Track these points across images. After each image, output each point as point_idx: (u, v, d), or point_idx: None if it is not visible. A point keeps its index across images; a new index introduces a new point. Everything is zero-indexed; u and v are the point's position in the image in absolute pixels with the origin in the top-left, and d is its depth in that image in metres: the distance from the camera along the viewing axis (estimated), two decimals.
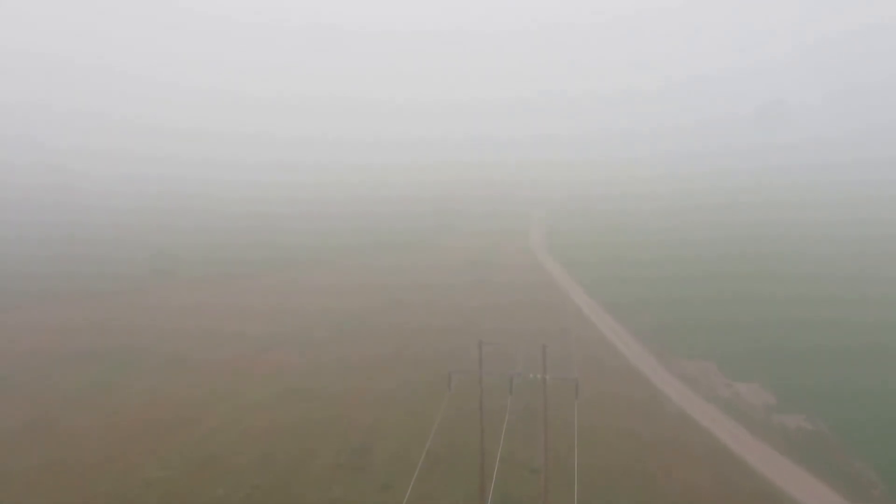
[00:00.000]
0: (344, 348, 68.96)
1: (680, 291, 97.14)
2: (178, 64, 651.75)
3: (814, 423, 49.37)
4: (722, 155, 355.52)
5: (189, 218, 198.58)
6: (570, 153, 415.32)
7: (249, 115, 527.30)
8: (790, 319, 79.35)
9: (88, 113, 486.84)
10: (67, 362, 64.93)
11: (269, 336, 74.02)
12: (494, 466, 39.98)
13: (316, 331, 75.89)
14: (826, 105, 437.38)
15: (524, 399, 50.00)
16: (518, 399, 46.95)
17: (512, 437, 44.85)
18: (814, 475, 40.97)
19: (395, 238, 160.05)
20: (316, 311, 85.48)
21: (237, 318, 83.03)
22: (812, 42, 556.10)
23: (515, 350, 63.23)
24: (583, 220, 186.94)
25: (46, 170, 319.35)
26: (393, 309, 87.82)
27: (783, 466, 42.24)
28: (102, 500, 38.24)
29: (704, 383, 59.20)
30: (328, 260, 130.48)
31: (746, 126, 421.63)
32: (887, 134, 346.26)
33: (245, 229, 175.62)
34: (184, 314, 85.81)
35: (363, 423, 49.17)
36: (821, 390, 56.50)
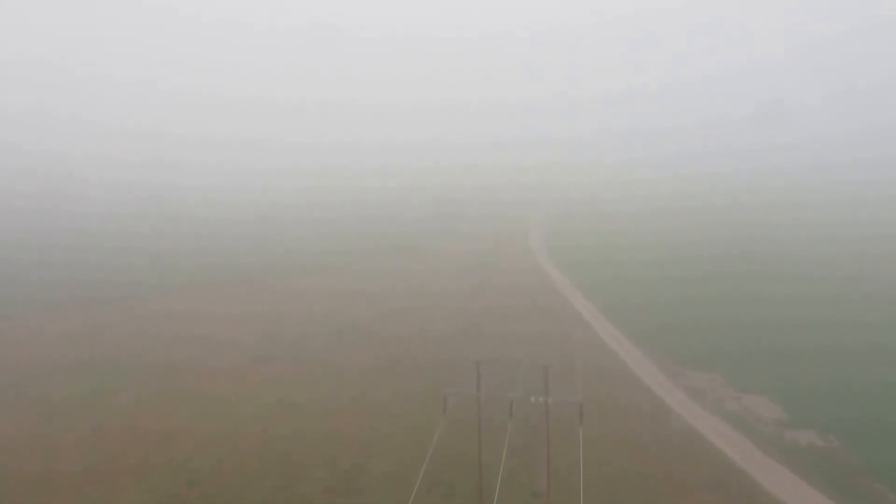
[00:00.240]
0: (340, 357, 66.99)
1: (682, 295, 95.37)
2: (177, 70, 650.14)
3: (826, 440, 47.39)
4: (722, 155, 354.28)
5: (185, 223, 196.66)
6: (569, 154, 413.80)
7: (247, 120, 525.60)
8: (794, 326, 77.58)
9: (87, 119, 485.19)
10: (55, 374, 62.88)
11: (263, 345, 72.07)
12: (496, 489, 38.07)
13: (312, 339, 73.93)
14: (826, 105, 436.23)
15: (525, 415, 47.97)
16: (520, 417, 44.97)
17: (513, 457, 42.87)
18: (831, 498, 38.97)
19: (394, 242, 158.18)
20: (312, 318, 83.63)
21: (232, 325, 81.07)
22: (811, 42, 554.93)
23: (516, 364, 61.40)
24: (583, 222, 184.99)
25: (45, 176, 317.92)
26: (391, 315, 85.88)
27: (799, 489, 40.24)
28: None
29: (711, 396, 57.21)
30: (326, 265, 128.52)
31: (746, 126, 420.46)
32: (886, 134, 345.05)
33: (242, 235, 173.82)
34: (177, 322, 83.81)
35: (357, 438, 47.15)
36: (831, 403, 54.57)
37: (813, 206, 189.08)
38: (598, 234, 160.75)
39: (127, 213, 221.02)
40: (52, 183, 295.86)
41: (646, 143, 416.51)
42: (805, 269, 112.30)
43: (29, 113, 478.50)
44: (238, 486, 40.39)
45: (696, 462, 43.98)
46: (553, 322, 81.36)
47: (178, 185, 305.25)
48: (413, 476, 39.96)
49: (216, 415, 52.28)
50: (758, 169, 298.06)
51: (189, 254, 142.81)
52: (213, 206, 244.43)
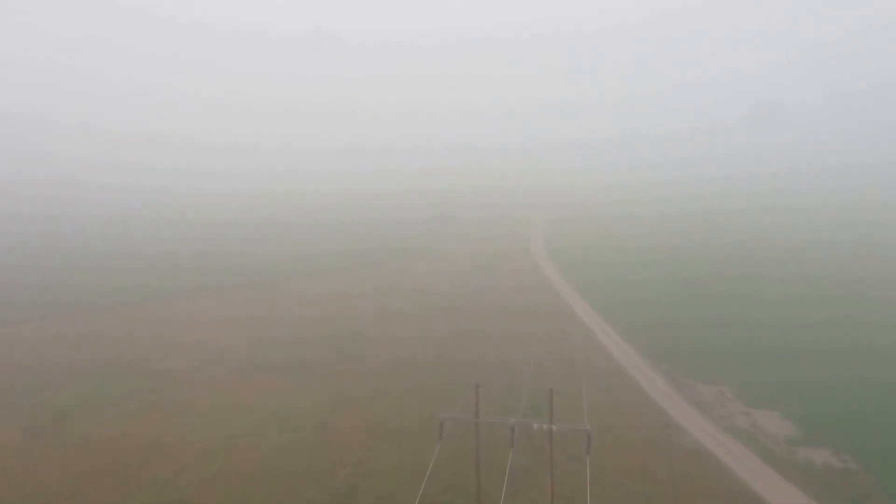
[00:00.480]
0: (337, 367, 65.03)
1: (684, 300, 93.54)
2: (177, 76, 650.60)
3: (842, 460, 45.24)
4: (722, 158, 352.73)
5: (187, 228, 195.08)
6: (568, 159, 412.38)
7: (249, 125, 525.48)
8: (799, 333, 75.60)
9: (94, 125, 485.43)
10: (43, 384, 60.90)
11: (260, 352, 70.19)
12: None
13: (309, 347, 71.91)
14: (823, 107, 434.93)
15: (528, 435, 45.92)
16: (522, 438, 42.94)
17: (514, 482, 40.75)
18: None
19: (396, 244, 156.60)
20: (310, 325, 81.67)
21: (229, 331, 79.31)
22: (809, 45, 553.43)
23: (517, 380, 59.37)
24: (584, 224, 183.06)
25: (45, 180, 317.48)
26: (392, 321, 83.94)
27: None
28: None
29: (720, 410, 55.13)
30: (327, 270, 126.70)
31: (743, 129, 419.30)
32: (883, 136, 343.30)
33: (242, 238, 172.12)
34: (173, 328, 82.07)
35: (350, 457, 45.11)
36: (845, 419, 52.33)
37: (811, 209, 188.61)
38: (599, 237, 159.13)
39: (124, 217, 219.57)
40: (52, 187, 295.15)
41: (646, 147, 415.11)
42: (807, 270, 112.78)
43: (37, 118, 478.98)
44: None
45: (707, 484, 41.89)
46: (553, 324, 79.38)
47: (179, 190, 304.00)
48: (408, 500, 37.92)
49: (208, 428, 50.33)
50: (756, 172, 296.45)
51: (187, 257, 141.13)
52: (213, 209, 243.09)
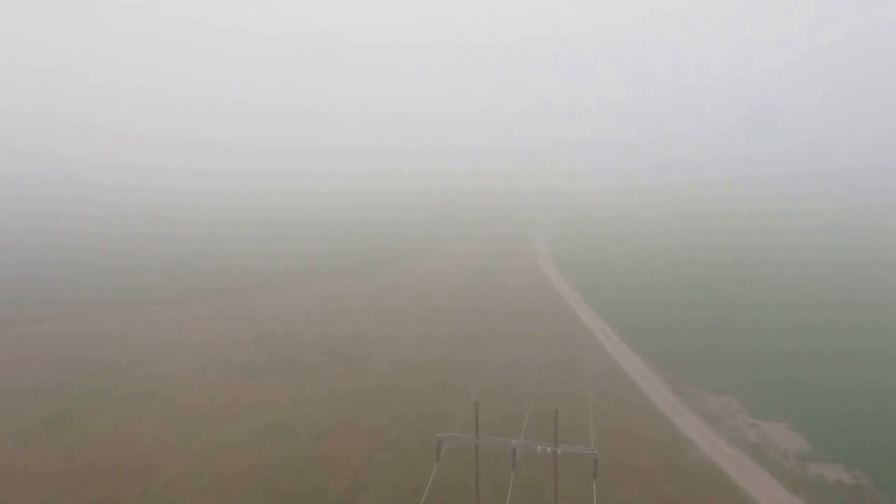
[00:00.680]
0: (336, 376, 63.63)
1: (686, 303, 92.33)
2: (180, 76, 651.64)
3: (854, 476, 43.86)
4: (720, 163, 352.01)
5: (187, 228, 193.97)
6: (567, 161, 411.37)
7: (249, 126, 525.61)
8: (804, 337, 74.22)
9: (94, 125, 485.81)
10: (35, 390, 59.68)
11: (258, 357, 68.87)
12: None
13: (307, 355, 70.48)
14: (820, 111, 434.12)
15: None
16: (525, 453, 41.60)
17: (518, 499, 39.41)
18: None
19: (398, 245, 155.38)
20: (310, 332, 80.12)
21: (228, 335, 77.96)
22: (805, 49, 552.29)
23: (519, 393, 57.93)
24: (588, 226, 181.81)
25: (61, 182, 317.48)
26: (393, 328, 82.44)
27: None
28: None
29: (727, 422, 53.72)
30: (329, 271, 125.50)
31: (741, 133, 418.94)
32: (880, 141, 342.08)
33: (243, 240, 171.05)
34: (172, 330, 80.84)
35: (348, 468, 43.79)
36: (857, 432, 50.95)
37: (810, 213, 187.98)
38: (601, 239, 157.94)
39: (123, 216, 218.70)
40: (53, 186, 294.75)
41: (644, 150, 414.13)
42: (806, 273, 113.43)
43: (32, 117, 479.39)
44: None
45: (715, 501, 40.50)
46: (557, 323, 78.03)
47: (179, 189, 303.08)
48: None
49: (203, 435, 49.06)
50: (754, 176, 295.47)
51: (188, 258, 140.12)
52: (213, 209, 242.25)
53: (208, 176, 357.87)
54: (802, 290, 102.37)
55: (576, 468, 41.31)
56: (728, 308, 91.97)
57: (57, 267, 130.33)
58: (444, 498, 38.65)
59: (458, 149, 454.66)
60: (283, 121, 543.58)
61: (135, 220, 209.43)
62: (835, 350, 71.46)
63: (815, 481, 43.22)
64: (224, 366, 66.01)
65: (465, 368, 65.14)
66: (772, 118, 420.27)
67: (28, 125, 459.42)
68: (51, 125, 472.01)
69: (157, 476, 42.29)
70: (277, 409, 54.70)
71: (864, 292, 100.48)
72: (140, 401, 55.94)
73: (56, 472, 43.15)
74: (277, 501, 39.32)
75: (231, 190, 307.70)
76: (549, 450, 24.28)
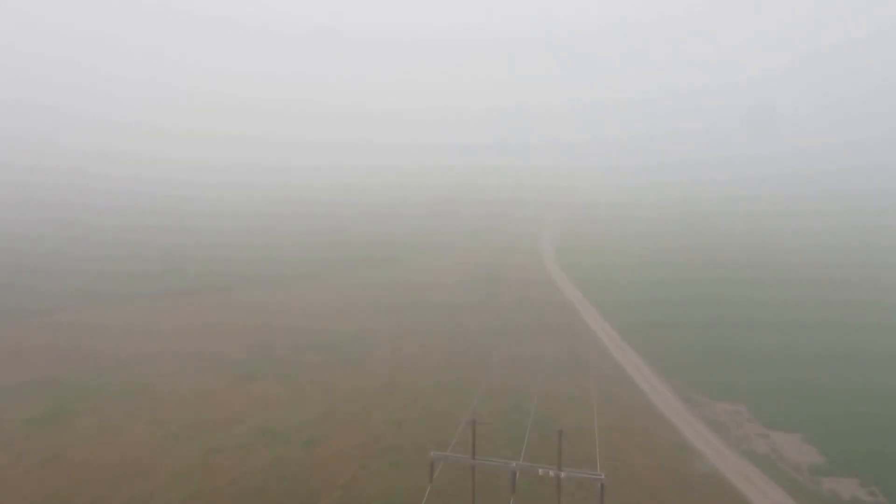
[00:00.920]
0: (332, 377, 61.72)
1: (690, 305, 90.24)
2: (183, 70, 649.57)
3: (871, 492, 41.80)
4: (720, 164, 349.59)
5: (185, 225, 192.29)
6: (563, 160, 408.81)
7: (253, 120, 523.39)
8: (816, 343, 72.12)
9: (104, 118, 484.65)
10: (14, 392, 57.75)
11: (249, 361, 66.76)
12: None
13: (302, 354, 68.67)
14: (818, 115, 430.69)
15: (532, 475, 42.65)
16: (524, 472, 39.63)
17: None
18: None
19: (400, 241, 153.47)
20: (307, 332, 77.96)
21: (220, 338, 75.58)
22: (804, 53, 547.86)
23: (525, 387, 55.90)
24: (589, 225, 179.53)
25: (63, 172, 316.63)
26: (394, 328, 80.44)
27: None
28: None
29: (736, 432, 51.66)
30: (326, 271, 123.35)
31: (739, 135, 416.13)
32: (878, 145, 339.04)
33: (239, 237, 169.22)
34: (163, 330, 78.89)
35: (340, 478, 41.93)
36: (873, 444, 48.87)
37: (808, 215, 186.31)
38: (603, 238, 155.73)
39: (119, 209, 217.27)
40: (67, 179, 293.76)
41: (646, 151, 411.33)
42: (807, 275, 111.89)
43: (48, 110, 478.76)
44: None
45: None
46: (560, 323, 76.02)
47: (176, 183, 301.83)
48: None
49: (189, 442, 47.25)
50: (752, 177, 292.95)
51: (184, 252, 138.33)
52: (212, 204, 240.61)
53: (207, 168, 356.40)
54: (806, 291, 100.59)
55: (582, 484, 39.42)
56: (733, 309, 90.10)
57: (42, 258, 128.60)
58: (449, 489, 36.83)
59: (458, 146, 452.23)
60: (283, 116, 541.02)
61: (128, 212, 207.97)
62: (845, 353, 69.53)
63: (829, 498, 41.20)
64: (218, 365, 64.24)
65: (467, 371, 63.20)
66: (771, 120, 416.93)
67: (36, 116, 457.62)
68: (57, 116, 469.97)
69: (140, 485, 40.50)
70: (270, 411, 52.89)
71: (869, 294, 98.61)
72: (128, 402, 54.19)
73: (34, 478, 41.41)
74: None
75: (229, 182, 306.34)
76: (551, 473, 22.26)
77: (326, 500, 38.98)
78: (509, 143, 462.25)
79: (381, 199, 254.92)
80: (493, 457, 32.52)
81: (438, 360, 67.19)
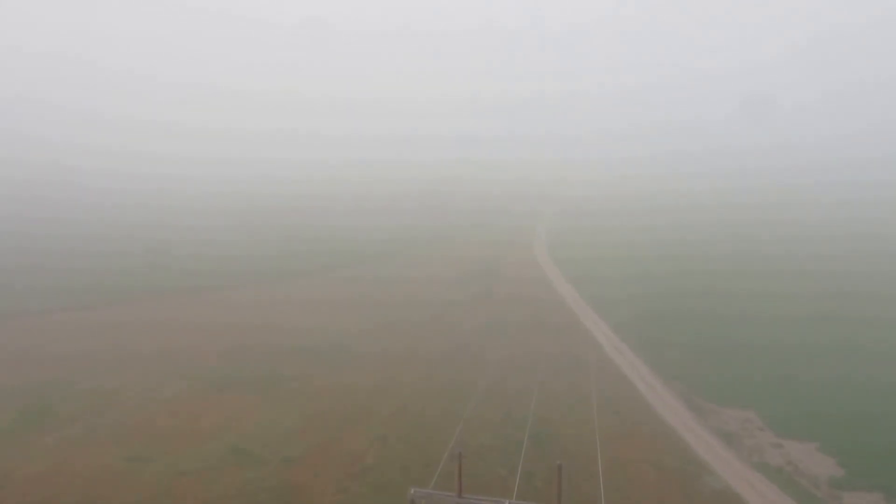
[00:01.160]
0: (313, 388, 57.60)
1: (694, 305, 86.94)
2: (177, 61, 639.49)
3: None
4: (716, 153, 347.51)
5: (166, 217, 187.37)
6: (560, 152, 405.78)
7: (246, 113, 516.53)
8: (826, 340, 69.05)
9: (89, 110, 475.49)
10: None
11: (227, 368, 62.60)
12: None
13: (285, 362, 64.34)
14: (818, 104, 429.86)
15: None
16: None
17: None
18: None
19: (392, 236, 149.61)
20: (291, 334, 74.08)
21: (196, 342, 71.61)
22: (804, 41, 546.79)
23: (517, 408, 52.13)
24: (586, 218, 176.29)
25: (48, 166, 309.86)
26: (381, 331, 76.41)
27: None
28: None
29: (747, 442, 48.11)
30: (314, 271, 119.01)
31: (737, 124, 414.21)
32: (878, 134, 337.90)
33: (226, 231, 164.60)
34: (133, 337, 74.30)
35: (316, 502, 37.99)
36: (895, 453, 45.59)
37: (808, 204, 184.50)
38: (601, 231, 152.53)
39: (93, 205, 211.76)
40: (53, 174, 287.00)
41: (643, 141, 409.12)
42: (814, 267, 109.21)
43: (36, 102, 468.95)
44: None
45: None
46: (561, 337, 72.44)
47: (158, 175, 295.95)
48: None
49: (154, 463, 43.12)
50: (750, 168, 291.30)
51: (160, 249, 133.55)
52: (200, 197, 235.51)
53: (191, 162, 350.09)
54: (806, 284, 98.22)
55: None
56: (731, 303, 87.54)
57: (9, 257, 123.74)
58: None
59: (452, 137, 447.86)
60: (273, 107, 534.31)
61: (104, 207, 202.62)
62: (854, 349, 66.51)
63: None
64: (189, 375, 59.94)
65: (458, 381, 59.36)
66: (768, 108, 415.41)
67: (27, 110, 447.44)
68: (40, 109, 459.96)
69: None
70: (244, 428, 48.80)
71: (877, 286, 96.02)
72: (89, 418, 49.88)
73: None
74: None
75: (213, 176, 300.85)
76: None
77: None
78: (504, 136, 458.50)
79: (371, 193, 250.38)
80: (483, 494, 28.76)
81: (427, 363, 63.27)
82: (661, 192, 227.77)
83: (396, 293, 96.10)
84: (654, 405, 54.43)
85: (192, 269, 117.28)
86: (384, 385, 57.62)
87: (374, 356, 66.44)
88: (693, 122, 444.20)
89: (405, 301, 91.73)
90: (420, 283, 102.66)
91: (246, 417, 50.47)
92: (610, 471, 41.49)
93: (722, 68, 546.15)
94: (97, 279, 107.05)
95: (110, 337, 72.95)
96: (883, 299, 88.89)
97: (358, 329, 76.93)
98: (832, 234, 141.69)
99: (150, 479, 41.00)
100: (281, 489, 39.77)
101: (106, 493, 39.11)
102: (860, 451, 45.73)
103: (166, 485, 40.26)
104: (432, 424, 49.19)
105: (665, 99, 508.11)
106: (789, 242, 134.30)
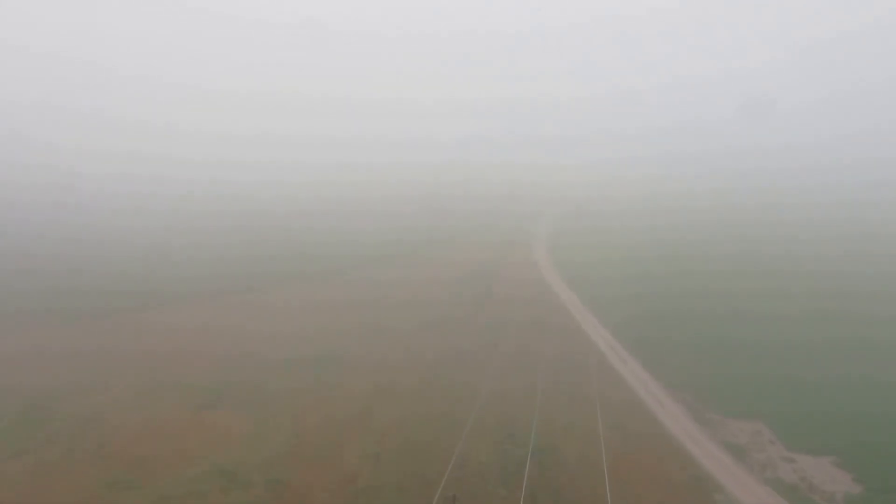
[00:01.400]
0: (303, 403, 55.18)
1: (695, 306, 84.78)
2: (175, 63, 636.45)
3: None
4: (716, 155, 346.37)
5: (156, 221, 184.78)
6: (558, 154, 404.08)
7: (244, 115, 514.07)
8: (838, 346, 66.83)
9: (87, 112, 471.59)
10: None
11: (217, 382, 59.91)
12: None
13: (273, 378, 61.66)
14: (818, 106, 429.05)
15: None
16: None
17: None
18: None
19: (403, 237, 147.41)
20: (278, 350, 70.91)
21: (187, 355, 68.42)
22: (804, 44, 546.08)
23: (518, 423, 49.88)
24: (585, 223, 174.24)
25: (48, 170, 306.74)
26: (377, 338, 73.99)
27: None
28: None
29: (758, 456, 46.00)
30: (304, 279, 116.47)
31: (737, 125, 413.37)
32: (878, 136, 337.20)
33: (222, 235, 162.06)
34: (122, 350, 71.50)
35: None
36: None
37: (808, 206, 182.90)
38: (601, 232, 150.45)
39: (88, 209, 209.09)
40: (53, 177, 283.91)
41: (644, 142, 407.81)
42: (814, 267, 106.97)
43: (35, 105, 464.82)
44: None
45: None
46: (559, 333, 70.27)
47: (149, 178, 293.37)
48: None
49: (136, 489, 40.79)
50: (751, 169, 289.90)
51: (148, 257, 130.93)
52: (194, 200, 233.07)
53: (187, 165, 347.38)
54: (808, 284, 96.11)
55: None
56: (732, 304, 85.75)
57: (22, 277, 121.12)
58: None
59: (452, 139, 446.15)
60: (269, 109, 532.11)
61: (100, 213, 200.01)
62: (871, 350, 64.30)
63: None
64: (175, 392, 57.57)
65: (455, 393, 57.15)
66: (768, 110, 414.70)
67: (26, 112, 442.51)
68: (39, 111, 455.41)
69: None
70: (231, 447, 46.52)
71: (873, 285, 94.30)
72: (67, 442, 47.48)
73: None
74: None
75: (207, 179, 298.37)
76: None
77: None
78: (502, 137, 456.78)
79: (370, 195, 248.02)
80: None
81: (422, 377, 60.95)
82: (661, 194, 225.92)
83: (390, 302, 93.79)
84: (658, 416, 52.28)
85: (187, 275, 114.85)
86: (376, 401, 55.21)
87: (367, 366, 64.19)
88: (693, 124, 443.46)
89: (402, 305, 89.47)
90: (418, 285, 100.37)
91: (232, 437, 48.17)
92: (616, 488, 39.36)
93: (722, 70, 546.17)
94: (64, 298, 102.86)
95: (88, 356, 70.05)
96: (889, 298, 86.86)
97: (352, 337, 74.64)
98: (830, 235, 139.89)
99: None
100: None
101: None
102: (878, 466, 43.66)
103: None
104: (427, 441, 46.99)
105: (666, 101, 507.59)
106: (789, 242, 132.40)
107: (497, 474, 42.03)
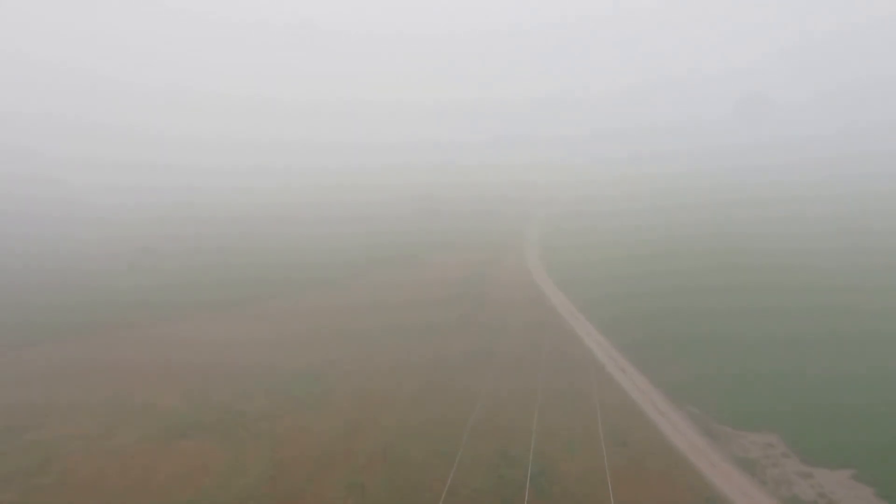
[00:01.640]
0: (284, 427, 51.39)
1: (695, 306, 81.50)
2: (169, 69, 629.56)
3: None
4: (712, 152, 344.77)
5: (126, 231, 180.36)
6: (555, 154, 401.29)
7: (237, 120, 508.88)
8: (849, 340, 63.71)
9: (77, 121, 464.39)
10: None
11: (186, 411, 55.20)
12: None
13: (252, 399, 57.59)
14: (812, 103, 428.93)
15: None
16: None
17: None
18: None
19: (394, 240, 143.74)
20: (258, 367, 66.77)
21: (148, 380, 63.35)
22: (798, 41, 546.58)
23: (516, 442, 46.47)
24: (579, 220, 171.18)
25: (39, 180, 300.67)
26: (357, 358, 70.13)
27: None
28: None
29: (771, 471, 42.78)
30: (290, 288, 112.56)
31: (732, 124, 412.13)
32: (873, 132, 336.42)
33: (204, 246, 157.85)
34: (76, 378, 65.43)
35: None
36: None
37: (805, 201, 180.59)
38: (597, 233, 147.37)
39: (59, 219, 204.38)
40: (43, 188, 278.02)
41: (640, 141, 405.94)
42: (815, 264, 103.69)
43: (24, 114, 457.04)
44: None
45: None
46: (554, 335, 66.86)
47: (136, 186, 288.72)
48: None
49: None
50: (745, 167, 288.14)
51: (139, 273, 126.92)
52: (183, 207, 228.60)
53: (171, 170, 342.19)
54: (809, 279, 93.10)
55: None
56: (732, 302, 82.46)
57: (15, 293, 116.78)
58: None
59: (448, 141, 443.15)
60: (263, 113, 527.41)
61: (64, 223, 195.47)
62: (887, 343, 61.15)
63: None
64: (143, 419, 53.65)
65: (448, 410, 53.64)
66: (761, 108, 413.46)
67: (17, 121, 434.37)
68: (37, 120, 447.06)
69: None
70: (204, 481, 42.92)
71: (875, 279, 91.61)
72: (24, 481, 43.70)
73: None
74: None
75: (194, 186, 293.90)
76: None
77: None
78: (499, 137, 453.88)
79: (360, 199, 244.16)
80: None
81: (410, 397, 57.33)
82: (658, 192, 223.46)
83: (374, 315, 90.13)
84: (662, 428, 48.94)
85: (159, 287, 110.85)
86: (361, 425, 51.37)
87: (351, 387, 60.31)
88: (688, 122, 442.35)
89: (390, 312, 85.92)
90: (401, 302, 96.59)
91: (205, 469, 44.51)
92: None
93: (716, 68, 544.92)
94: (20, 315, 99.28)
95: (48, 379, 66.01)
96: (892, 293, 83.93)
97: (335, 353, 70.92)
98: (826, 229, 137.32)
99: None
100: None
101: None
102: None
103: None
104: (417, 465, 43.55)
105: (660, 99, 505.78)
106: (788, 239, 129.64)
107: (491, 499, 38.68)
